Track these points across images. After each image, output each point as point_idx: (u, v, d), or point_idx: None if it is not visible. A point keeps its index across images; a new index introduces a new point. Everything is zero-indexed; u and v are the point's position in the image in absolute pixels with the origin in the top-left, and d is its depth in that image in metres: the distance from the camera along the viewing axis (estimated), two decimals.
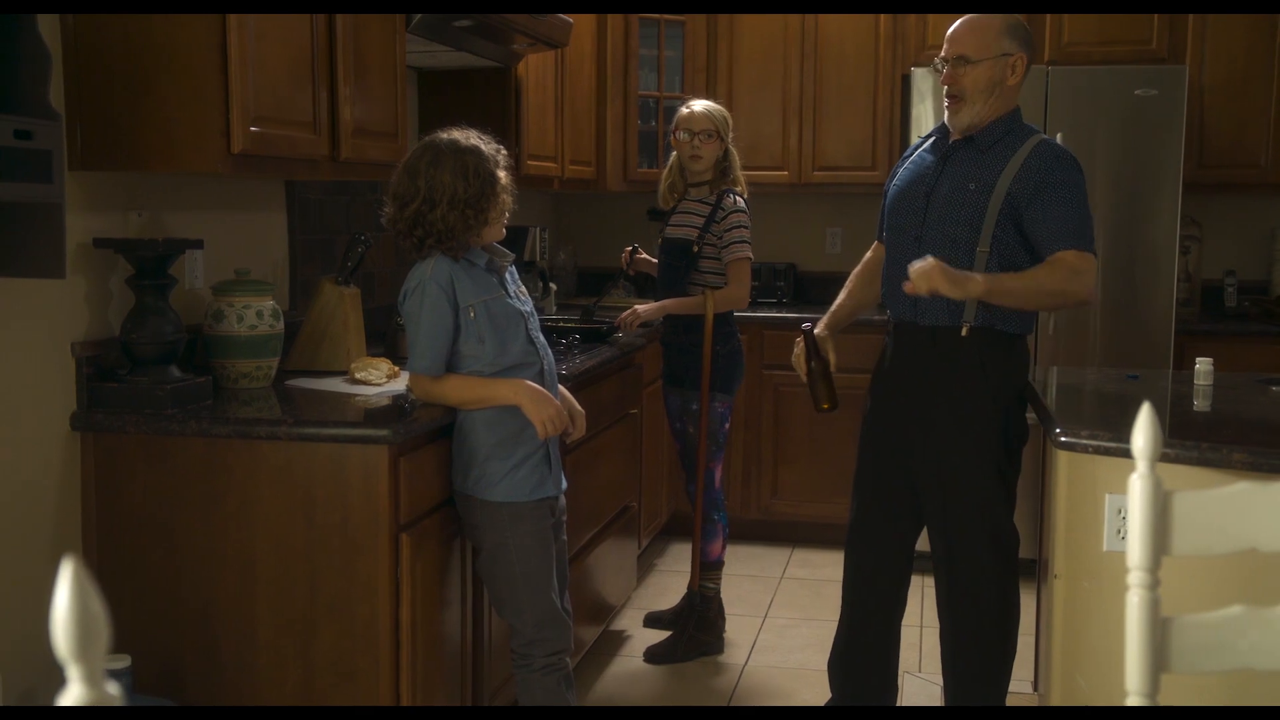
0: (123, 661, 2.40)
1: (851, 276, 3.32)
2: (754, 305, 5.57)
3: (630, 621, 4.33)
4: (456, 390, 2.66)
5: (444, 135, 2.69)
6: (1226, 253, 5.51)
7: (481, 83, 4.26)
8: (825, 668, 3.59)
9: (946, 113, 2.93)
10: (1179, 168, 4.80)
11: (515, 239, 4.69)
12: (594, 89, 5.18)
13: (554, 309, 5.00)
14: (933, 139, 3.06)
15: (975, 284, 2.71)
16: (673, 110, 5.44)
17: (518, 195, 2.79)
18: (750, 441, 5.34)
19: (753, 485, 5.36)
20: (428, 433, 2.64)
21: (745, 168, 5.43)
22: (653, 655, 4.01)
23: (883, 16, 5.39)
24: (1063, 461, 2.60)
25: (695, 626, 4.06)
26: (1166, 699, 1.48)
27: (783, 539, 5.37)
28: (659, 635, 4.14)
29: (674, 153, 4.04)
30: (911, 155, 3.11)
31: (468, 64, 4.08)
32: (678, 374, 4.02)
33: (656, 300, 4.02)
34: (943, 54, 2.91)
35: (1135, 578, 1.45)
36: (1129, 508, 1.45)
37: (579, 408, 2.95)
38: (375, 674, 2.53)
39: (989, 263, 2.84)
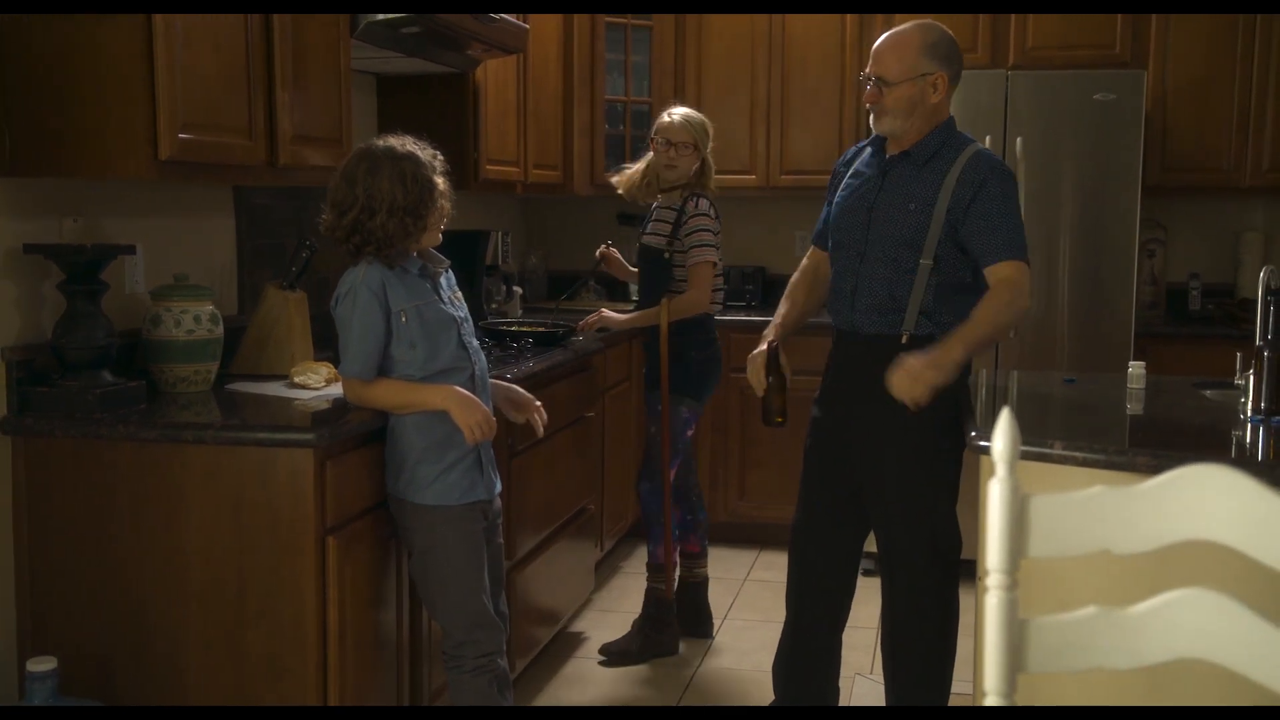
0: (48, 664, 2.42)
1: (792, 285, 3.30)
2: (723, 308, 5.60)
3: (588, 623, 4.35)
4: (387, 395, 2.68)
5: (379, 142, 2.72)
6: (1192, 256, 5.52)
7: (441, 87, 4.29)
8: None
9: (872, 118, 2.96)
10: (1138, 172, 4.82)
11: (477, 243, 4.71)
12: (560, 93, 5.21)
13: (519, 312, 5.03)
14: (870, 150, 3.07)
15: (955, 362, 2.74)
16: (640, 115, 5.50)
17: (455, 200, 2.82)
18: (718, 444, 5.36)
19: (720, 488, 5.38)
20: (357, 436, 2.67)
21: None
22: (608, 653, 4.03)
23: (848, 20, 5.42)
24: (986, 465, 2.62)
25: (652, 628, 4.08)
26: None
27: (750, 541, 5.39)
28: (615, 635, 4.16)
29: (650, 152, 4.05)
30: (851, 165, 3.12)
31: (426, 69, 4.10)
32: (652, 377, 4.06)
33: (632, 304, 4.08)
34: (866, 70, 2.95)
35: (993, 580, 1.47)
36: (987, 511, 1.48)
37: (535, 401, 3.03)
38: (303, 673, 2.56)
39: (931, 275, 2.88)
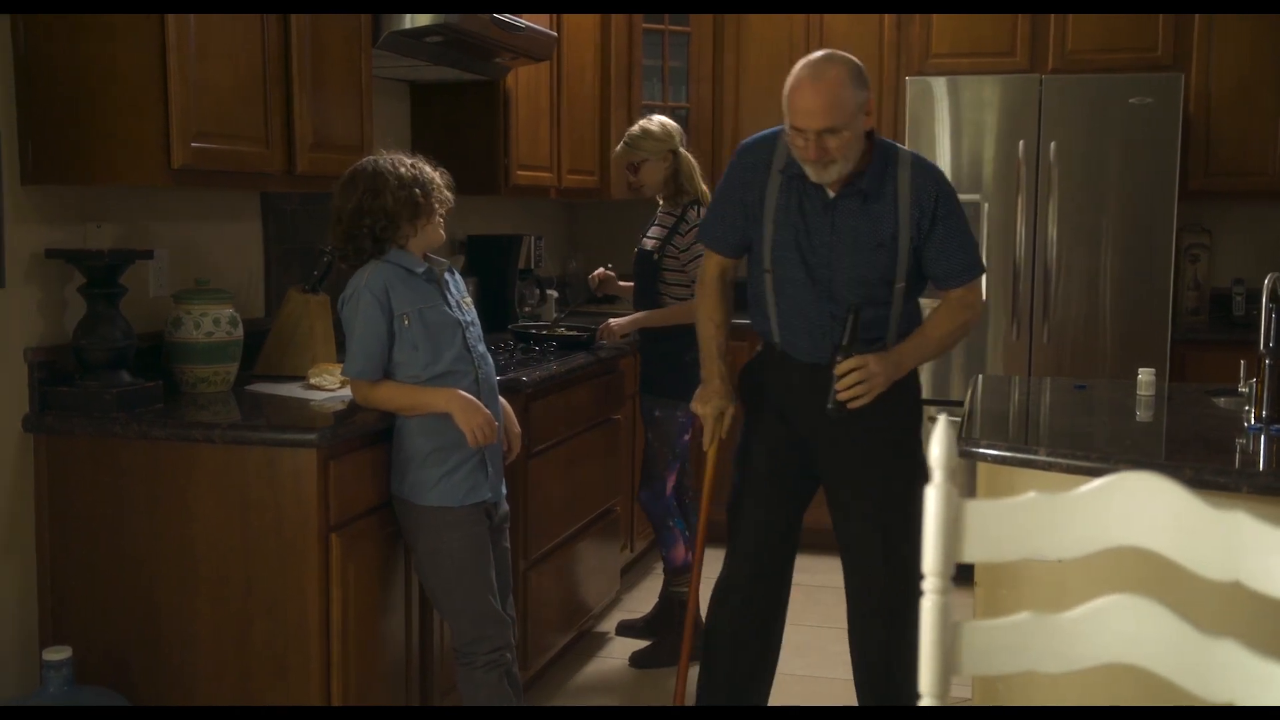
0: (63, 653, 2.52)
1: (710, 307, 3.08)
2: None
3: (614, 624, 4.39)
4: (391, 397, 2.75)
5: (381, 157, 2.82)
6: (1237, 261, 5.43)
7: (473, 94, 4.36)
8: (797, 672, 3.58)
9: (811, 172, 2.77)
10: (1174, 177, 4.76)
11: (510, 247, 4.78)
12: (597, 99, 5.25)
13: (554, 316, 5.08)
14: (794, 184, 2.86)
15: (902, 369, 2.83)
16: (678, 120, 5.52)
17: (453, 208, 2.88)
18: None
19: None
20: (362, 437, 2.73)
21: None
22: (637, 660, 4.07)
23: (887, 23, 5.40)
24: (982, 472, 2.63)
25: (677, 633, 4.11)
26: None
27: None
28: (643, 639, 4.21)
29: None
30: (765, 184, 2.90)
31: (457, 77, 4.17)
32: (648, 381, 4.07)
33: (633, 311, 4.11)
34: (799, 125, 2.71)
35: (929, 584, 1.49)
36: (925, 516, 1.50)
37: (516, 427, 3.04)
38: (307, 669, 2.62)
39: (904, 296, 2.88)
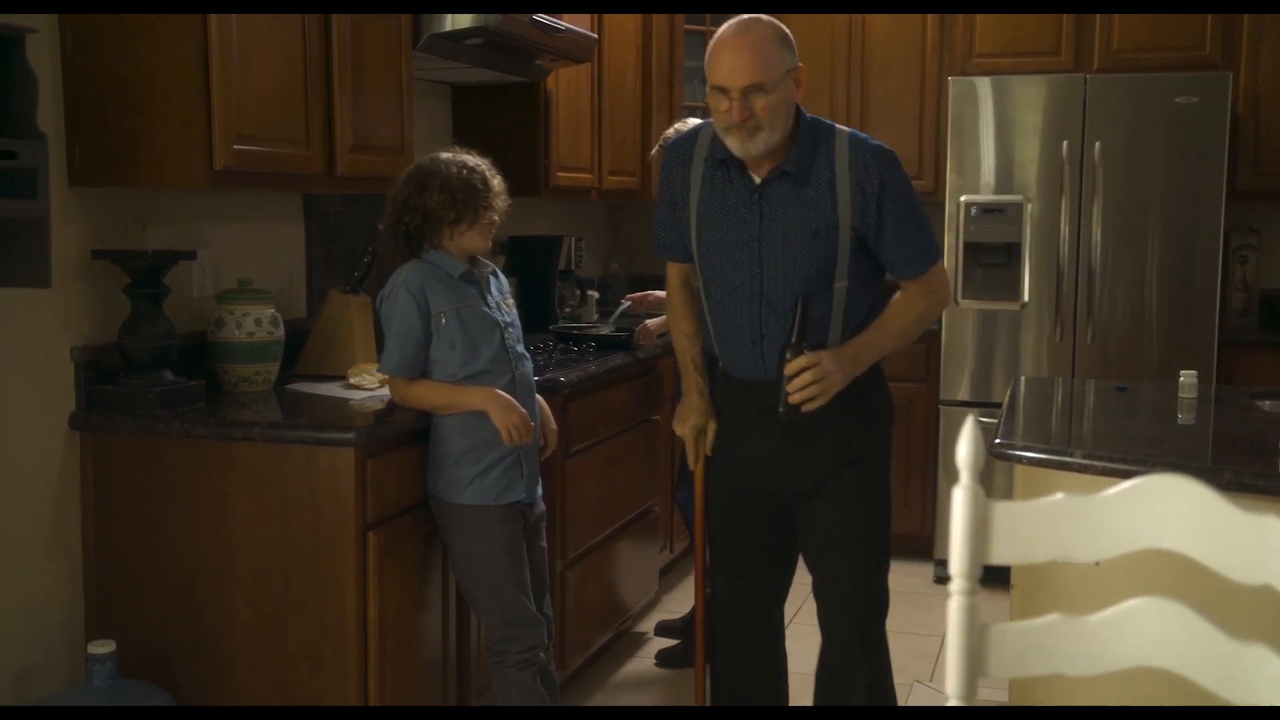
0: (107, 646, 2.56)
1: (679, 317, 2.90)
2: None
3: (651, 624, 4.40)
4: (427, 395, 2.77)
5: (444, 154, 2.84)
6: None
7: (515, 96, 4.38)
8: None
9: (735, 143, 2.53)
10: (1222, 176, 4.70)
11: (550, 248, 4.80)
12: (639, 100, 5.26)
13: (594, 316, 5.10)
14: (716, 170, 2.64)
15: (861, 364, 2.59)
16: None
17: (506, 212, 2.88)
18: None
19: None
20: (400, 436, 2.76)
21: None
22: (664, 659, 4.08)
23: (929, 23, 5.38)
24: (1019, 474, 2.61)
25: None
26: None
27: None
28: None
29: None
30: (690, 178, 2.71)
31: (499, 79, 4.20)
32: None
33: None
34: (723, 84, 2.49)
35: (955, 585, 1.49)
36: (951, 517, 1.49)
37: (552, 423, 3.05)
38: (344, 667, 2.65)
39: (848, 296, 2.62)
